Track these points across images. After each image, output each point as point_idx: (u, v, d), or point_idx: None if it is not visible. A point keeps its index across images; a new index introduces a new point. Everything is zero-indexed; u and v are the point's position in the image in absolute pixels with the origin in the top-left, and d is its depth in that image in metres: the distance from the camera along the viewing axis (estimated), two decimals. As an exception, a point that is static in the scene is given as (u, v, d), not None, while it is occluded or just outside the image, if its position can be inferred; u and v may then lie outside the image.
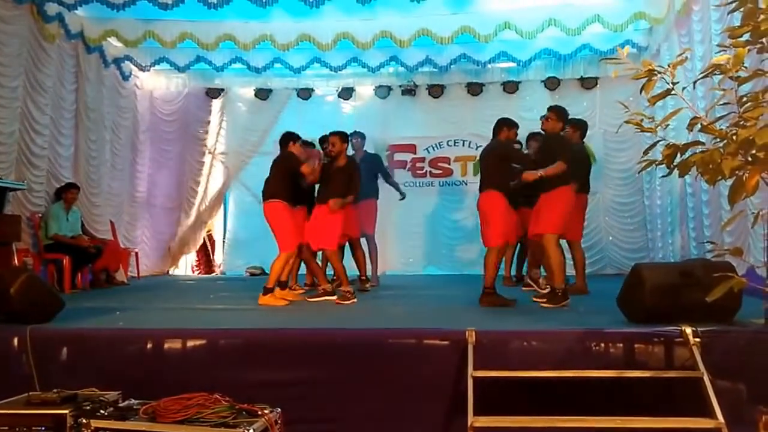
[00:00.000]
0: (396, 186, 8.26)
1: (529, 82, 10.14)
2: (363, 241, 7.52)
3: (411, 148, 10.59)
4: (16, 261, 6.51)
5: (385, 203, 8.24)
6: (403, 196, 8.18)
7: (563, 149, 5.60)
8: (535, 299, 5.76)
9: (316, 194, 6.66)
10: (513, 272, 7.86)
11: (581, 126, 6.70)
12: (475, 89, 10.27)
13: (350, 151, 8.01)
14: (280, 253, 6.08)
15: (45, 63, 7.74)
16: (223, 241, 10.81)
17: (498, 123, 5.99)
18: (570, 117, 6.03)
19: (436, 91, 10.35)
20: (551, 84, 9.93)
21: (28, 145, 7.47)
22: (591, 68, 9.81)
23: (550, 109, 5.85)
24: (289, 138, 6.40)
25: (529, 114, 10.20)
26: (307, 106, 10.54)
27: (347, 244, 7.31)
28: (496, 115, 6.23)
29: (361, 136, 8.20)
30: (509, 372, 3.69)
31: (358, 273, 7.35)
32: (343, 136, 6.50)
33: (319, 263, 6.76)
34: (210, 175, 10.91)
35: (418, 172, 10.63)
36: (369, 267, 7.58)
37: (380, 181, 7.97)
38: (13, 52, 7.15)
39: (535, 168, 5.52)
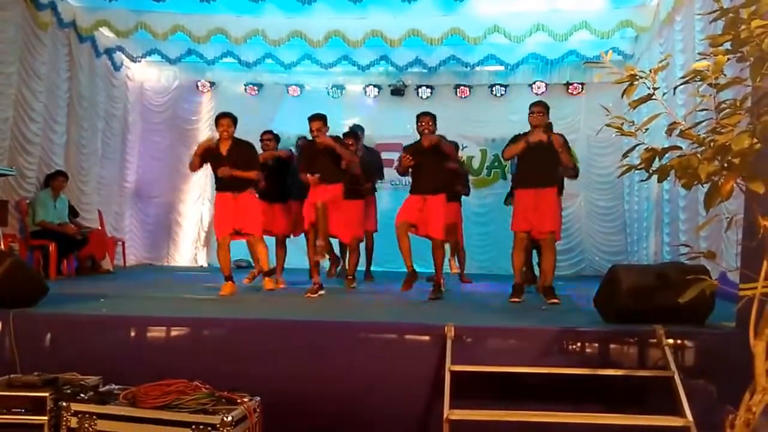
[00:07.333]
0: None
1: (517, 85, 10.21)
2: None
3: (398, 148, 10.60)
4: (2, 246, 6.51)
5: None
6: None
7: None
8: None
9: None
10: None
11: None
12: (463, 91, 10.30)
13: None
14: (253, 240, 6.50)
15: (39, 50, 7.75)
16: (206, 234, 10.76)
17: None
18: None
19: (425, 91, 10.38)
20: (537, 88, 9.99)
21: (22, 132, 7.49)
22: (577, 74, 9.92)
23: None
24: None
25: (515, 116, 10.28)
26: (297, 103, 10.53)
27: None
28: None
29: (360, 129, 8.13)
30: (486, 366, 3.76)
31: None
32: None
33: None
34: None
35: (405, 170, 10.66)
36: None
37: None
38: (8, 38, 7.16)
39: None
